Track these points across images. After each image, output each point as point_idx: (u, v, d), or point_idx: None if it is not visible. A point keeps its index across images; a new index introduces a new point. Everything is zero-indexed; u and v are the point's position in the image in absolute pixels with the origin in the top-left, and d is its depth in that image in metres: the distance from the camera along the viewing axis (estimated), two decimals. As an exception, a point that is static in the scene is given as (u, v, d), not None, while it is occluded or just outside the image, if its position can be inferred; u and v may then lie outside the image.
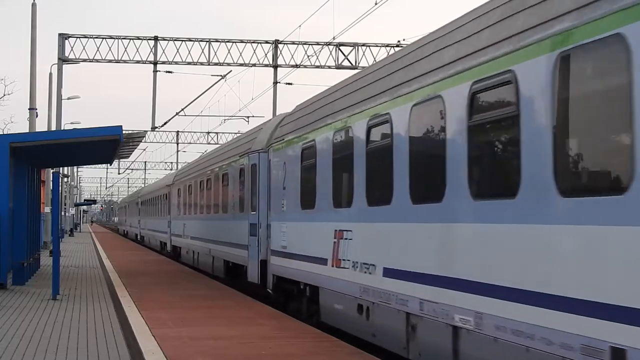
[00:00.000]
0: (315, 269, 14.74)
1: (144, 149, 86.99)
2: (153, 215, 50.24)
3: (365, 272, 12.26)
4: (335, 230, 13.66)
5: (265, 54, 42.86)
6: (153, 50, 42.16)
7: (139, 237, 61.67)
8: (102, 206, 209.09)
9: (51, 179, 22.78)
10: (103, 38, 41.83)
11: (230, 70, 42.08)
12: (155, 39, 42.34)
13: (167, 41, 42.33)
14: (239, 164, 22.48)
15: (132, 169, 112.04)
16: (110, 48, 41.66)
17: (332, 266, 13.82)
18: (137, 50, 41.87)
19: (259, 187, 19.71)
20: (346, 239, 13.15)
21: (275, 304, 18.03)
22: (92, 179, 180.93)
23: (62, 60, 41.56)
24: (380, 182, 11.83)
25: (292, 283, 16.65)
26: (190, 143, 77.57)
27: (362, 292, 12.38)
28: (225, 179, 24.67)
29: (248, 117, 56.63)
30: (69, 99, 51.18)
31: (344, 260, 13.26)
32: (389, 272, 11.44)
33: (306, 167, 15.42)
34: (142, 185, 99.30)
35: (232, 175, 23.64)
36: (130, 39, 42.05)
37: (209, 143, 74.59)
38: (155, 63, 42.14)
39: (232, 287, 22.11)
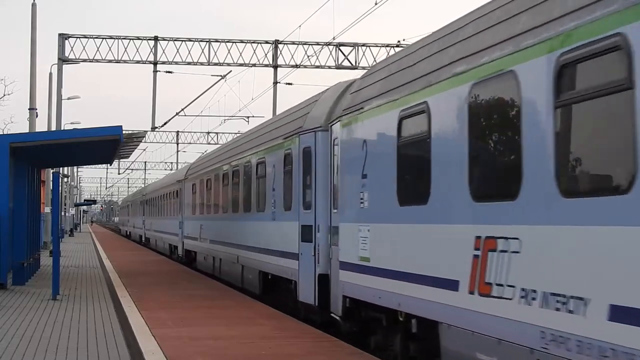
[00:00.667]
0: (433, 295, 9.84)
1: (144, 149, 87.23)
2: (161, 215, 44.99)
3: (556, 309, 7.33)
4: (478, 238, 8.81)
5: (265, 54, 42.85)
6: (153, 50, 42.12)
7: (143, 238, 57.20)
8: (102, 206, 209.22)
9: (51, 179, 22.78)
10: (103, 38, 41.78)
11: (230, 70, 42.10)
12: (155, 39, 42.30)
13: (167, 41, 42.28)
14: (282, 149, 17.58)
15: (132, 169, 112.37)
16: (110, 48, 41.61)
17: (471, 293, 8.93)
18: (137, 50, 41.82)
19: (316, 178, 15.23)
20: (504, 251, 8.29)
21: (349, 336, 13.37)
22: (92, 179, 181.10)
23: (62, 60, 41.48)
24: (596, 155, 7.19)
25: (379, 310, 11.81)
26: (190, 143, 77.72)
27: (551, 341, 7.42)
28: (261, 170, 19.58)
29: (248, 117, 56.72)
30: (69, 99, 51.16)
31: (498, 285, 8.34)
32: (627, 315, 6.50)
33: (409, 144, 10.71)
34: (142, 185, 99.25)
35: (271, 164, 18.65)
36: (130, 39, 41.99)
37: (209, 143, 74.69)
38: (155, 63, 42.10)
39: (273, 306, 17.39)
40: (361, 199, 12.40)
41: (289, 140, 17.09)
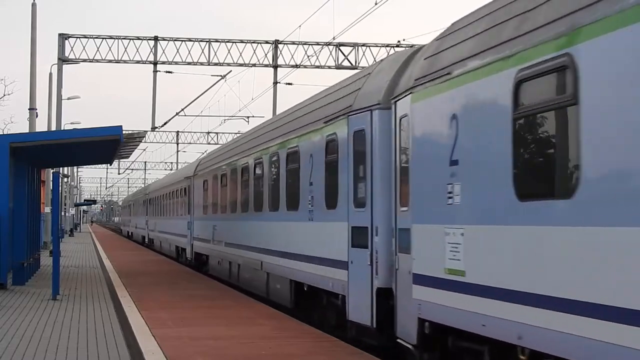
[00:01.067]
0: (592, 330, 6.83)
1: (144, 149, 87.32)
2: (166, 215, 41.98)
3: None
4: None
5: (265, 54, 42.87)
6: (153, 50, 42.15)
7: (146, 239, 54.36)
8: (102, 206, 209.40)
9: (51, 179, 22.78)
10: (103, 38, 41.80)
11: (230, 70, 42.15)
12: (155, 39, 42.32)
13: (167, 41, 42.32)
14: (322, 134, 14.65)
15: (132, 169, 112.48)
16: (110, 48, 41.64)
17: None
18: (137, 50, 41.85)
19: (373, 167, 12.28)
20: None
21: None
22: (92, 179, 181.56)
23: (62, 60, 41.51)
24: None
25: (480, 341, 9.01)
26: (190, 143, 77.77)
27: None
28: (293, 161, 16.54)
29: (248, 117, 56.77)
30: (69, 99, 51.17)
31: None
32: None
33: (535, 114, 7.76)
34: (143, 185, 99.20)
35: (306, 153, 15.61)
36: (130, 39, 42.01)
37: (208, 143, 74.74)
38: (155, 63, 42.12)
39: (313, 324, 14.74)
40: (449, 192, 9.52)
41: (332, 123, 14.14)
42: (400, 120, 11.17)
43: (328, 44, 41.49)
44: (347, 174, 13.21)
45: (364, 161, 12.58)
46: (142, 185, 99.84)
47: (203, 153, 51.70)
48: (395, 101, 11.44)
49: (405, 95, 10.96)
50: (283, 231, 17.44)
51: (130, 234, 75.37)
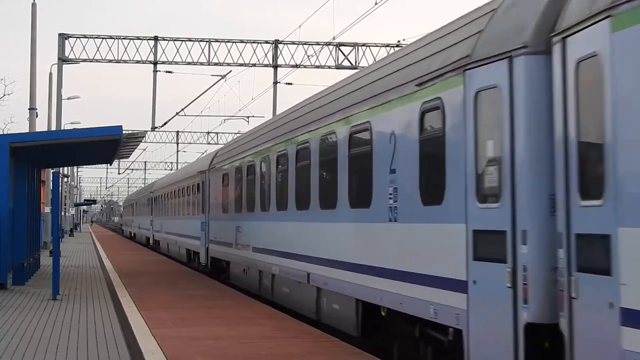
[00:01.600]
0: None
1: (144, 149, 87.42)
2: (175, 215, 38.19)
3: None
4: None
5: (265, 54, 42.91)
6: (153, 50, 42.19)
7: (151, 241, 50.87)
8: (102, 206, 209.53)
9: (51, 179, 22.78)
10: (103, 38, 41.84)
11: (230, 70, 42.25)
12: (155, 39, 42.35)
13: (167, 41, 42.36)
14: (415, 102, 10.61)
15: (132, 169, 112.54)
16: (110, 48, 41.69)
17: None
18: (137, 50, 41.91)
19: (515, 142, 8.39)
20: None
21: None
22: (92, 179, 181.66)
23: (62, 60, 41.55)
24: None
25: None
26: (190, 143, 77.86)
27: None
28: (361, 142, 12.51)
29: (248, 117, 56.81)
30: (69, 99, 51.18)
31: None
32: None
33: None
34: (142, 185, 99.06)
35: (386, 130, 11.49)
36: (130, 39, 42.05)
37: (209, 143, 74.83)
38: (155, 63, 42.16)
39: None
40: None
41: (433, 85, 10.13)
42: (577, 64, 7.45)
43: (328, 44, 41.52)
44: (464, 154, 9.32)
45: (498, 133, 8.70)
46: (142, 185, 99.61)
47: (203, 153, 51.59)
48: (565, 37, 7.63)
49: (593, 24, 7.14)
50: (343, 235, 13.47)
51: (132, 234, 73.25)
